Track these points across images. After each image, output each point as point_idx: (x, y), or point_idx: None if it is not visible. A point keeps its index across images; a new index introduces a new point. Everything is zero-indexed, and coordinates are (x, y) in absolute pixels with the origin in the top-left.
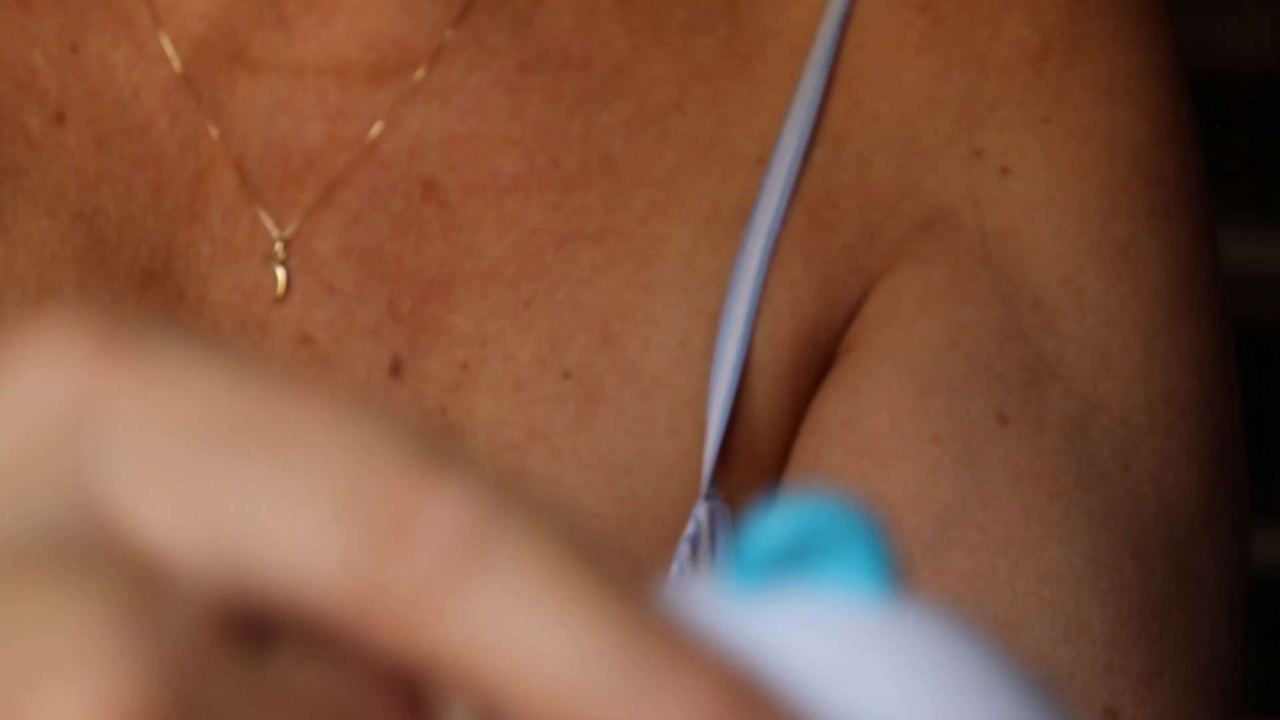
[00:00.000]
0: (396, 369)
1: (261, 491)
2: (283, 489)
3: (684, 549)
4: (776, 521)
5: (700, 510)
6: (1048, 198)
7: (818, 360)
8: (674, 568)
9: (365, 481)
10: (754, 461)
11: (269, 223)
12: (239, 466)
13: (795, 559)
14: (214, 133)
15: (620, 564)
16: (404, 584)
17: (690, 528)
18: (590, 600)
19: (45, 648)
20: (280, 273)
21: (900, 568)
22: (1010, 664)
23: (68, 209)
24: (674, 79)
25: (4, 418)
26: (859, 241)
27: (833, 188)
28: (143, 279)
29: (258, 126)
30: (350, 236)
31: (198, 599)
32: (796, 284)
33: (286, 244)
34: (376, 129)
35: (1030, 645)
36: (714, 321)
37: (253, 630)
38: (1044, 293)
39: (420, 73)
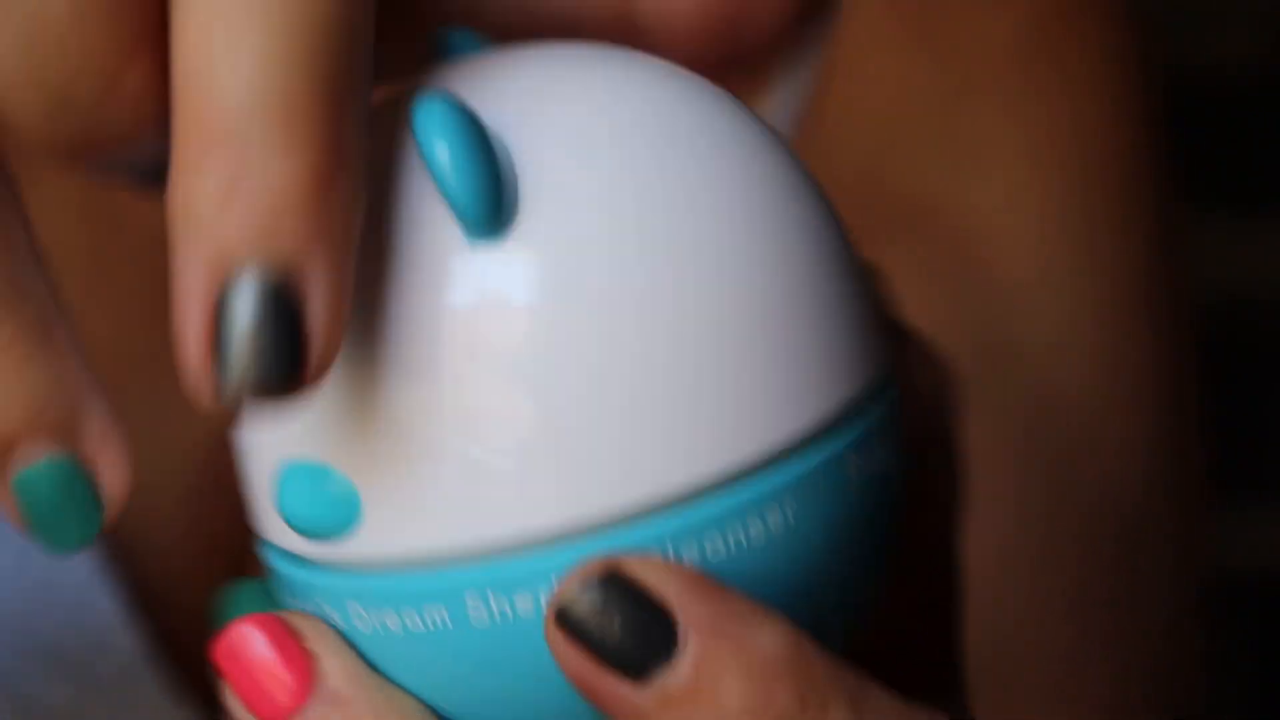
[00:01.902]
0: None
1: None
2: None
3: None
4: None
5: None
6: (1019, 191)
7: None
8: None
9: None
10: None
11: None
12: None
13: None
14: None
15: None
16: None
17: None
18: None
19: None
20: None
21: None
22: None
23: (75, 195)
24: None
25: None
26: None
27: None
28: (142, 267)
29: None
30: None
31: None
32: None
33: None
34: None
35: (978, 624)
36: None
37: None
38: (1012, 283)
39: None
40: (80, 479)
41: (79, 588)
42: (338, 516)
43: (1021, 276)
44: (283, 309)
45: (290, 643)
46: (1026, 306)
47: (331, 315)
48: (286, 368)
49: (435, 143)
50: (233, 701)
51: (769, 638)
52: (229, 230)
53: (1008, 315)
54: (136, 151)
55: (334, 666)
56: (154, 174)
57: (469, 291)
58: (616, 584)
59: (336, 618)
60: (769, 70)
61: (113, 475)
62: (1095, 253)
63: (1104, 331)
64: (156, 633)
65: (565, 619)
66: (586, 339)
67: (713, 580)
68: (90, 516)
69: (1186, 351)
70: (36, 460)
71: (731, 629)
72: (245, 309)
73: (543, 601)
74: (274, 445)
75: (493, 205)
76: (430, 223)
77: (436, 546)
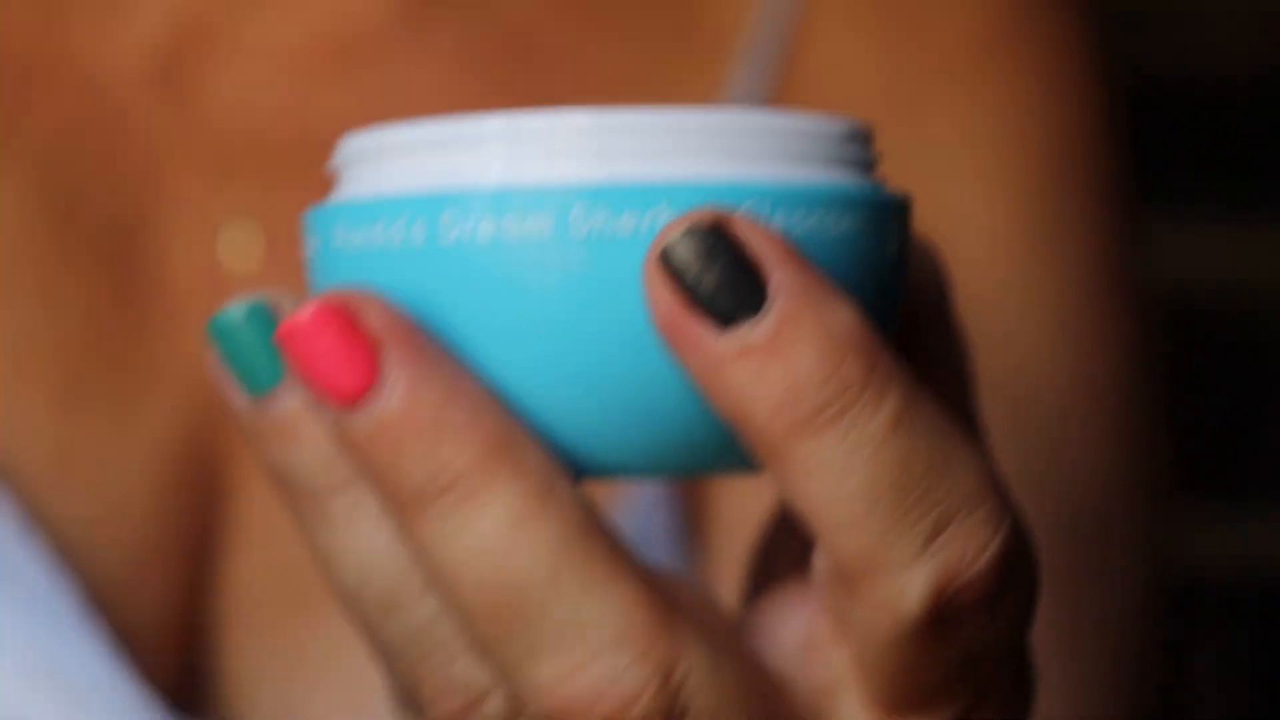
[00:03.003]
0: None
1: None
2: None
3: None
4: None
5: None
6: (981, 181)
7: None
8: None
9: None
10: None
11: (232, 200)
12: None
13: None
14: (179, 110)
15: None
16: None
17: None
18: None
19: None
20: (242, 250)
21: None
22: None
23: (24, 185)
24: (623, 61)
25: None
26: None
27: None
28: (104, 255)
29: (222, 104)
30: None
31: None
32: None
33: (252, 219)
34: (334, 109)
35: None
36: None
37: None
38: (980, 277)
39: (376, 54)
40: (269, 320)
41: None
42: None
43: (990, 270)
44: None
45: (356, 326)
46: (994, 300)
47: None
48: None
49: None
50: (304, 383)
51: (846, 315)
52: None
53: (976, 309)
54: None
55: (398, 351)
56: None
57: None
58: (721, 235)
59: (421, 230)
60: (732, 41)
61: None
62: (1058, 248)
63: (1069, 324)
64: (119, 626)
65: (667, 258)
66: None
67: (802, 252)
68: (277, 354)
69: (1149, 345)
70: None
71: (815, 299)
72: None
73: (644, 227)
74: None
75: None
76: None
77: (551, 165)
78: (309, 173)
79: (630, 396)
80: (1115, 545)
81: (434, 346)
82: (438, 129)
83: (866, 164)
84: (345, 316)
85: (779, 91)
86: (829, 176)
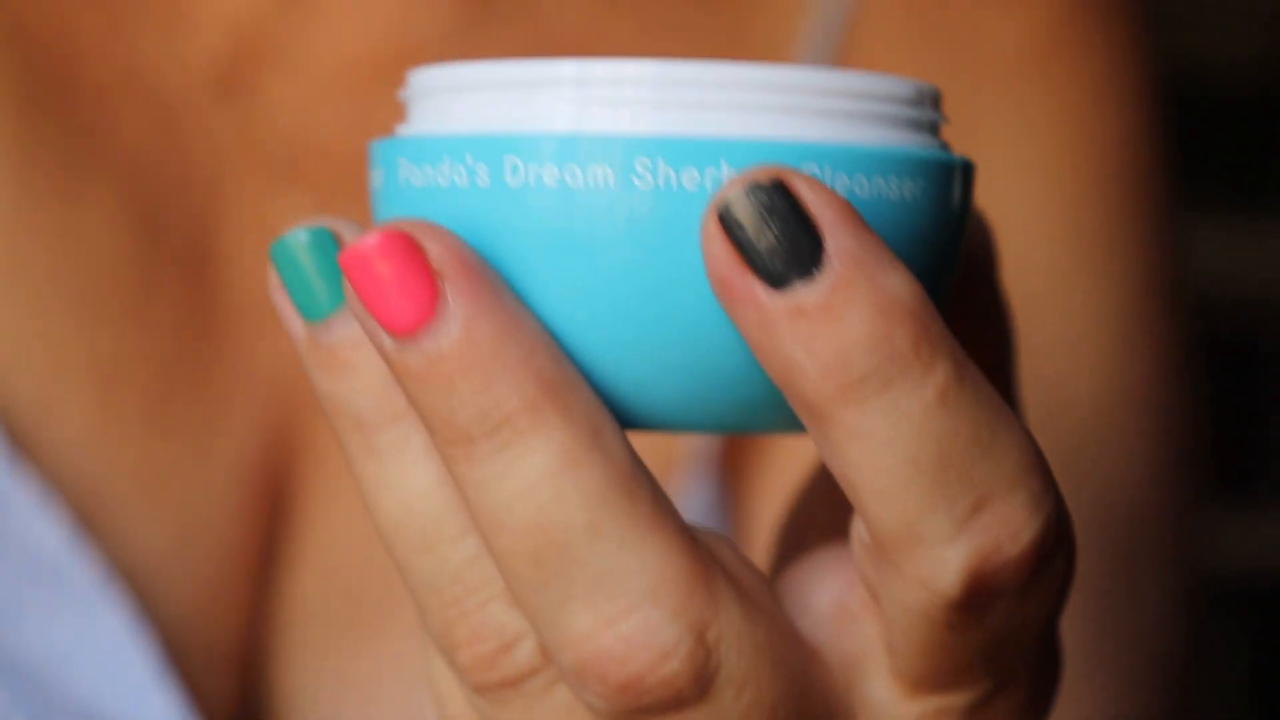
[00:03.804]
0: None
1: None
2: None
3: None
4: None
5: None
6: (1028, 191)
7: None
8: None
9: None
10: None
11: (296, 213)
12: None
13: None
14: (242, 122)
15: None
16: None
17: None
18: None
19: None
20: None
21: None
22: None
23: (115, 199)
24: None
25: None
26: None
27: None
28: (183, 269)
29: (284, 117)
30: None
31: None
32: None
33: None
34: (395, 120)
35: None
36: None
37: None
38: (1024, 285)
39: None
40: (331, 246)
41: None
42: None
43: (1033, 279)
44: None
45: (418, 256)
46: (1037, 308)
47: None
48: None
49: None
50: (362, 312)
51: (900, 282)
52: None
53: (1019, 317)
54: None
55: (459, 284)
56: None
57: None
58: (781, 193)
59: (485, 172)
60: (785, 48)
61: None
62: (1106, 257)
63: (1113, 334)
64: (190, 649)
65: (725, 215)
66: None
67: (861, 215)
68: (338, 281)
69: (1190, 353)
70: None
71: (870, 264)
72: None
73: (706, 182)
74: None
75: None
76: None
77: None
78: (367, 186)
79: (682, 349)
80: (1149, 557)
81: (494, 283)
82: (508, 70)
83: (932, 126)
84: (408, 246)
85: None
86: (894, 139)
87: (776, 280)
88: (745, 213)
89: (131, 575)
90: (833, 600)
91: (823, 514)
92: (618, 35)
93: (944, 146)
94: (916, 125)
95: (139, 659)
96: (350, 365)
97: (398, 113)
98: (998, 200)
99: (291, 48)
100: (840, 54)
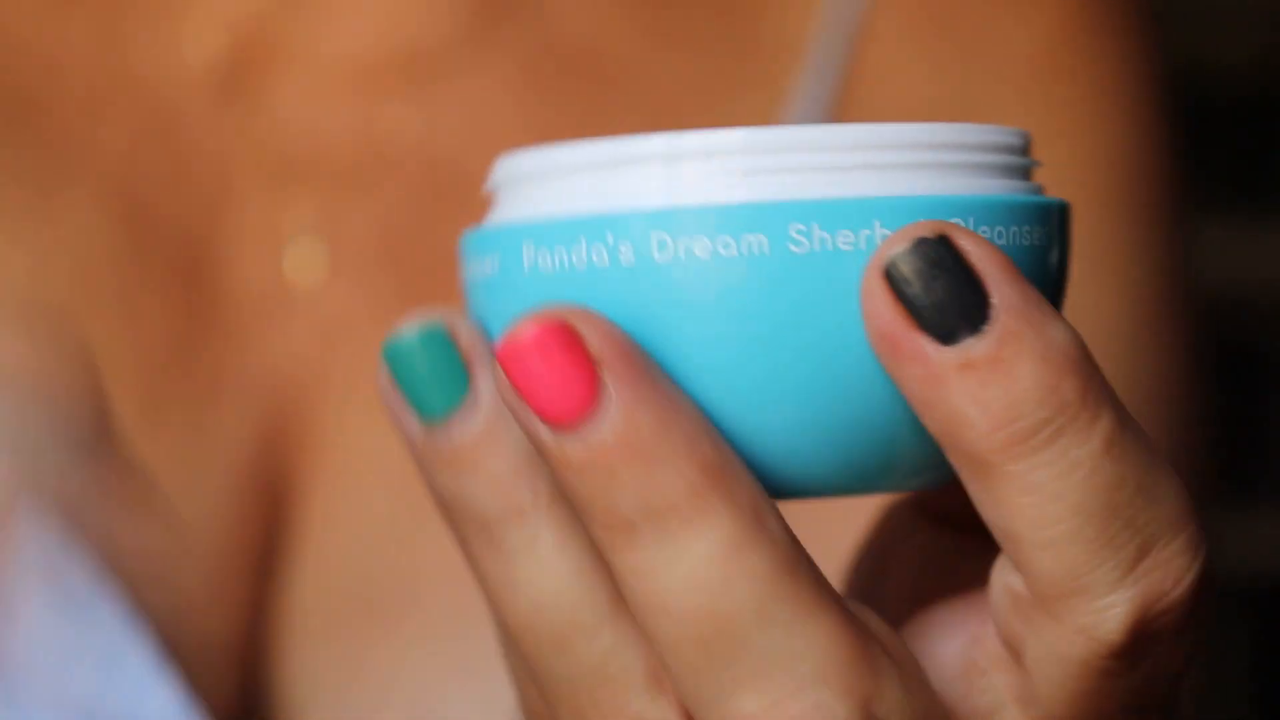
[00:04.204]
0: None
1: None
2: None
3: None
4: None
5: None
6: None
7: None
8: None
9: None
10: None
11: (297, 213)
12: None
13: None
14: (244, 123)
15: None
16: None
17: None
18: None
19: None
20: (308, 263)
21: None
22: None
23: (102, 201)
24: (686, 74)
25: None
26: None
27: None
28: (178, 269)
29: (287, 117)
30: (375, 227)
31: None
32: None
33: (314, 235)
34: (399, 122)
35: None
36: None
37: None
38: None
39: (441, 68)
40: (447, 342)
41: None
42: None
43: None
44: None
45: (577, 346)
46: None
47: None
48: None
49: None
50: (518, 405)
51: (1063, 332)
52: None
53: None
54: None
55: (618, 372)
56: None
57: None
58: (946, 248)
59: (628, 250)
60: (795, 53)
61: (469, 337)
62: (1117, 263)
63: (1123, 341)
64: (192, 644)
65: (890, 272)
66: None
67: (1017, 268)
68: (457, 378)
69: (1198, 360)
70: (407, 331)
71: (1035, 315)
72: None
73: (861, 243)
74: None
75: None
76: None
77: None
78: (373, 187)
79: (837, 413)
80: None
81: (651, 368)
82: (629, 145)
83: (1030, 171)
84: (567, 335)
85: (842, 104)
86: (1019, 188)
87: (944, 335)
88: (911, 268)
89: (129, 571)
90: (958, 656)
91: (929, 571)
92: (624, 38)
93: (1042, 189)
94: (1027, 172)
95: (137, 655)
96: (473, 463)
97: (401, 115)
98: None
99: (293, 48)
100: (852, 60)
